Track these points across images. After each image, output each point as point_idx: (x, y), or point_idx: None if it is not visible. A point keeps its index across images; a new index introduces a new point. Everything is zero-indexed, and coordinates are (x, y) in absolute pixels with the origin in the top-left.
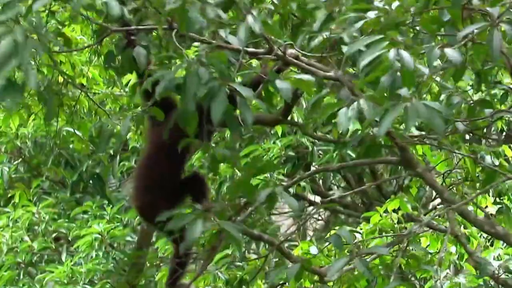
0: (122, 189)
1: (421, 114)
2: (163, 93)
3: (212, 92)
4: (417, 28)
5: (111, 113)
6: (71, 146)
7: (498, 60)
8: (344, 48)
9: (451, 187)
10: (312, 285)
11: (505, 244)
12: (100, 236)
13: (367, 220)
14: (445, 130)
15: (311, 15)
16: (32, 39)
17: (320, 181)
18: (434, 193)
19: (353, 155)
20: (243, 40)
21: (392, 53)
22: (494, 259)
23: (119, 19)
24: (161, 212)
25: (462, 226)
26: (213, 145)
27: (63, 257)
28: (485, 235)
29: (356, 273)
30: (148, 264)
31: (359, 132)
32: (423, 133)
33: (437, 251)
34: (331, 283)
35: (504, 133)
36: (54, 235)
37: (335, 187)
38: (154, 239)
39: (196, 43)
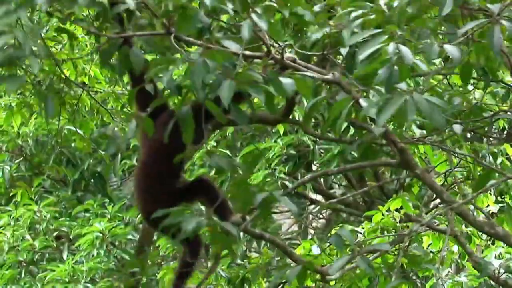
0: (123, 187)
1: (421, 108)
2: (165, 94)
3: (219, 79)
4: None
5: (112, 111)
6: (72, 144)
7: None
8: (343, 50)
9: (452, 186)
10: (314, 284)
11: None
12: (101, 235)
13: (369, 219)
14: (445, 130)
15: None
16: (32, 37)
17: (322, 180)
18: None
19: (355, 154)
20: (247, 37)
21: (391, 47)
22: (495, 257)
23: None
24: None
25: (464, 224)
26: (215, 144)
27: (65, 256)
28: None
29: (358, 271)
30: (150, 263)
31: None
32: (424, 131)
33: (439, 250)
34: (333, 282)
35: (505, 132)
36: (55, 233)
37: (336, 186)
38: (155, 237)
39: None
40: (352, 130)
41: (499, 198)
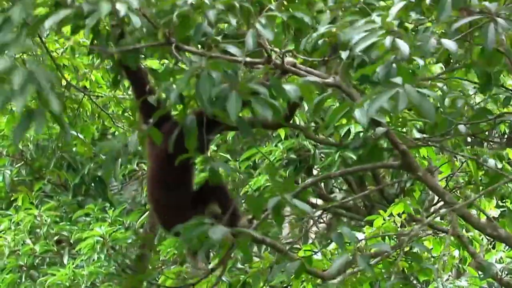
0: (124, 192)
1: (412, 99)
2: (173, 104)
3: (225, 93)
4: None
5: (114, 116)
6: (74, 149)
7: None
8: (343, 54)
9: (454, 191)
10: None
11: (507, 247)
12: (102, 239)
13: (370, 223)
14: (448, 132)
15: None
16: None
17: (322, 184)
18: (436, 197)
19: (355, 158)
20: (252, 46)
21: (387, 40)
22: (496, 261)
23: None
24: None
25: (464, 229)
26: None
27: (65, 260)
28: (487, 238)
29: (359, 276)
30: (150, 267)
31: (361, 134)
32: (424, 135)
33: (440, 254)
34: (334, 287)
35: (506, 136)
36: (56, 238)
37: (337, 190)
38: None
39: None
40: (352, 134)
41: (500, 203)
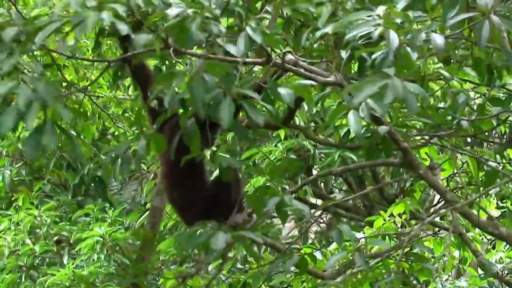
0: (123, 192)
1: (397, 92)
2: (170, 109)
3: (219, 98)
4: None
5: (114, 116)
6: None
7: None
8: (344, 53)
9: (455, 191)
10: None
11: (507, 247)
12: (101, 239)
13: (370, 224)
14: (450, 128)
15: (313, 18)
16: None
17: (322, 185)
18: (436, 198)
19: (355, 158)
20: (243, 51)
21: (376, 31)
22: (496, 262)
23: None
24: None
25: (465, 229)
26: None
27: (65, 260)
28: (487, 237)
29: (359, 276)
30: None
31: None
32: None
33: (440, 254)
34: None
35: (505, 137)
36: (55, 238)
37: (337, 190)
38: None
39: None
40: (352, 135)
41: (500, 204)
